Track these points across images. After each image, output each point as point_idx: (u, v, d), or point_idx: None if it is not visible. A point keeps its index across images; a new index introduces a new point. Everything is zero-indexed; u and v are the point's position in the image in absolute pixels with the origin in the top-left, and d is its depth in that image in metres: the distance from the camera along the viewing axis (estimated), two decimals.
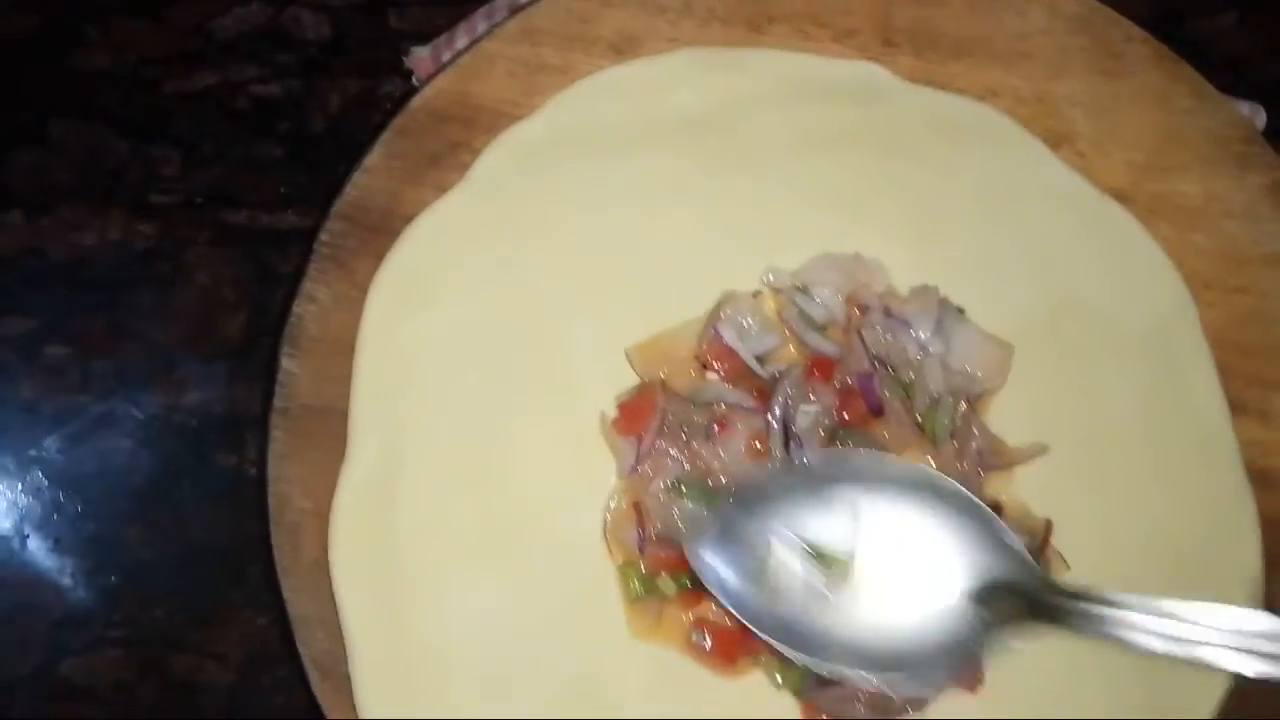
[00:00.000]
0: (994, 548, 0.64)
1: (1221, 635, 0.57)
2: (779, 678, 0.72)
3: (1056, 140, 0.82)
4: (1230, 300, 0.81)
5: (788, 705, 0.73)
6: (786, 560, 0.66)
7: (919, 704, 0.72)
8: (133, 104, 0.89)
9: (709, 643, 0.73)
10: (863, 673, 0.65)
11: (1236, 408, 0.79)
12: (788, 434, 0.73)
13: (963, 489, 0.66)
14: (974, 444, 0.75)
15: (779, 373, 0.75)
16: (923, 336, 0.75)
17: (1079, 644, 0.73)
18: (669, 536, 0.72)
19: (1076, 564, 0.75)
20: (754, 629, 0.67)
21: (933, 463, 0.75)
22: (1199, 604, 0.58)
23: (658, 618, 0.73)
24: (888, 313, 0.76)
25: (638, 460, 0.74)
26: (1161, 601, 0.59)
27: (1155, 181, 0.82)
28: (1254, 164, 0.81)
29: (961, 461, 0.74)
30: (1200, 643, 0.57)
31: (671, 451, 0.73)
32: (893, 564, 0.66)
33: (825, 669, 0.65)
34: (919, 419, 0.75)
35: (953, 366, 0.76)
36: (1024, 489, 0.77)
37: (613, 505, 0.75)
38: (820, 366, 0.75)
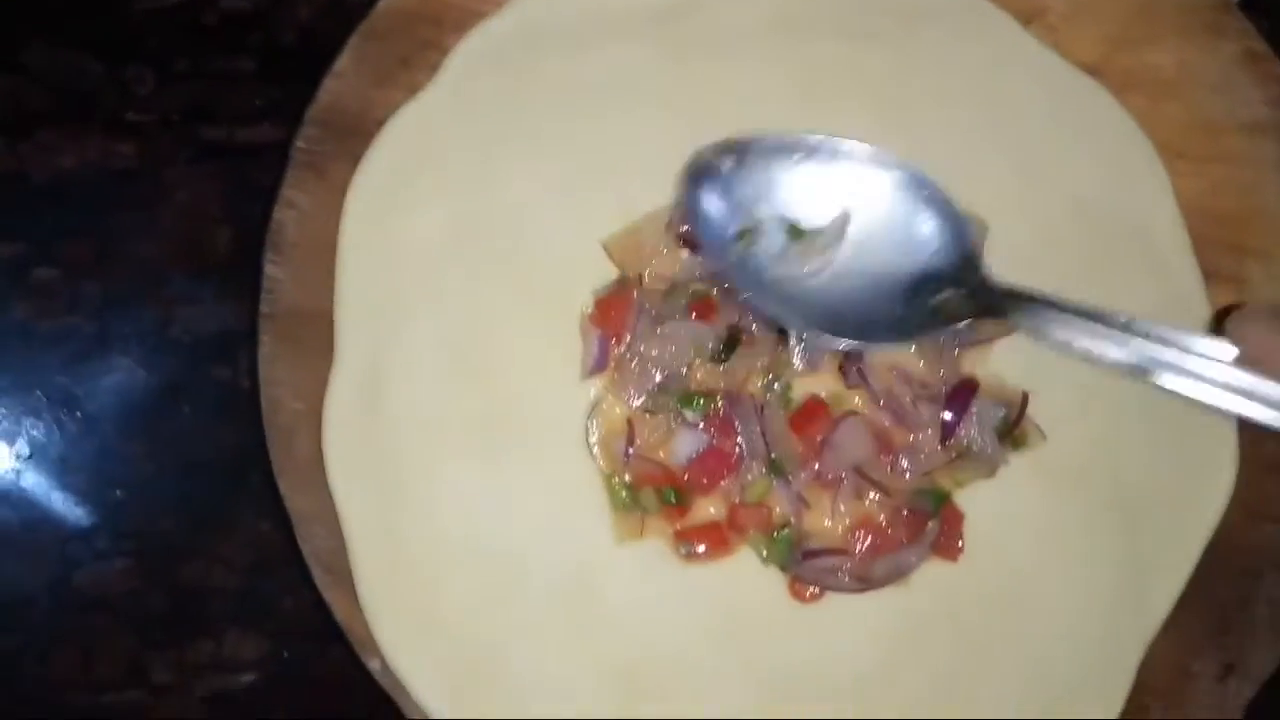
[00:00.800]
0: (954, 245, 0.71)
1: (1158, 346, 0.62)
2: (764, 553, 0.75)
3: (1028, 16, 0.82)
4: (1204, 170, 0.81)
5: (774, 579, 0.75)
6: (770, 224, 0.73)
7: (900, 575, 0.75)
8: (103, 24, 0.89)
9: (700, 548, 0.75)
10: (816, 331, 0.72)
11: (1210, 275, 0.80)
12: None
13: (941, 192, 0.72)
14: None
15: None
16: None
17: (1058, 508, 0.76)
18: (654, 456, 0.75)
19: (1052, 432, 0.77)
20: (724, 276, 0.73)
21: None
22: (1139, 319, 0.64)
23: (641, 527, 0.75)
24: None
25: (606, 360, 0.75)
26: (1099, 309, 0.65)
27: (1128, 54, 0.82)
28: (1227, 32, 0.81)
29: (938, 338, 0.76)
30: (1131, 341, 0.63)
31: (653, 351, 0.74)
32: (865, 244, 0.73)
33: (784, 323, 0.73)
34: None
35: None
36: (999, 363, 0.78)
37: (602, 406, 0.76)
38: None
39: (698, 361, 0.75)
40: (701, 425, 0.75)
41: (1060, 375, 0.77)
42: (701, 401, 0.75)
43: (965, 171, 0.79)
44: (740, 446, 0.75)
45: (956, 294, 0.70)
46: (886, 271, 0.72)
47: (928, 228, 0.72)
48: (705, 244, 0.73)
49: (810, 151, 0.73)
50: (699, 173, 0.73)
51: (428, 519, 0.74)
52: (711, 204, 0.73)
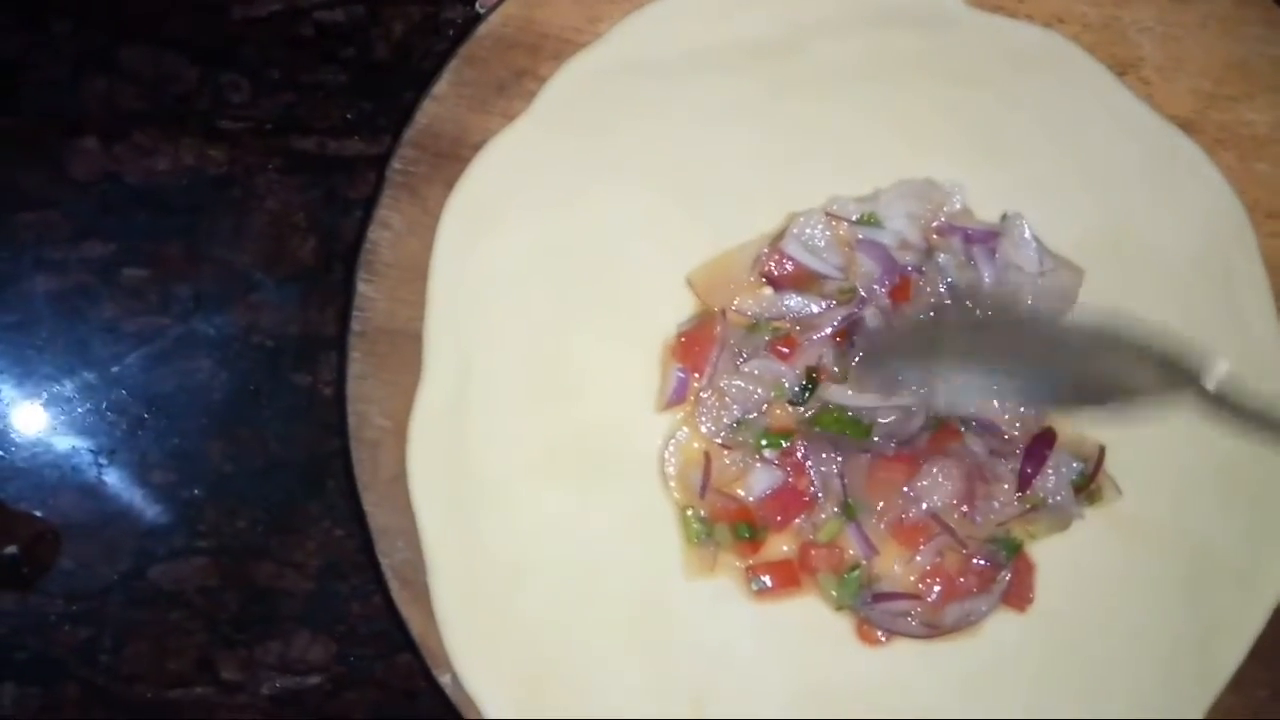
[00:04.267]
0: None
1: None
2: (834, 594, 0.75)
3: (1123, 67, 0.82)
4: None
5: (843, 621, 0.76)
6: None
7: (969, 623, 0.75)
8: (200, 30, 0.90)
9: (769, 583, 0.75)
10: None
11: None
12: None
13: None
14: None
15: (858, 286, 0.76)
16: (1007, 261, 0.76)
17: (1128, 564, 0.77)
18: (729, 490, 0.75)
19: (1128, 488, 0.77)
20: None
21: None
22: None
23: (713, 562, 0.76)
24: (967, 238, 0.77)
25: (685, 393, 0.76)
26: None
27: (1222, 110, 0.82)
28: None
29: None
30: None
31: (733, 387, 0.75)
32: None
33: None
34: None
35: (1033, 293, 0.76)
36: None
37: (679, 437, 0.77)
38: (897, 289, 0.76)
39: (775, 398, 0.76)
40: (777, 462, 0.76)
41: (1137, 430, 0.77)
42: (779, 440, 0.75)
43: (1057, 219, 0.80)
44: (814, 485, 0.75)
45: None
46: None
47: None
48: None
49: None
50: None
51: (505, 539, 0.76)
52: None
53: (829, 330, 0.76)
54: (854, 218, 0.77)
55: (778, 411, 0.76)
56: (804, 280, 0.76)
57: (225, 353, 0.88)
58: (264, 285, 0.88)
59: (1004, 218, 0.78)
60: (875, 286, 0.76)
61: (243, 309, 0.88)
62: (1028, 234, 0.77)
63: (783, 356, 0.76)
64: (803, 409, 0.76)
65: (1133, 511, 0.77)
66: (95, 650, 0.85)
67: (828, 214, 0.77)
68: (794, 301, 0.76)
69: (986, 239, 0.77)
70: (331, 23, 0.91)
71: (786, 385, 0.76)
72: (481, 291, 0.77)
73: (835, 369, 0.76)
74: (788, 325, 0.77)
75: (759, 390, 0.75)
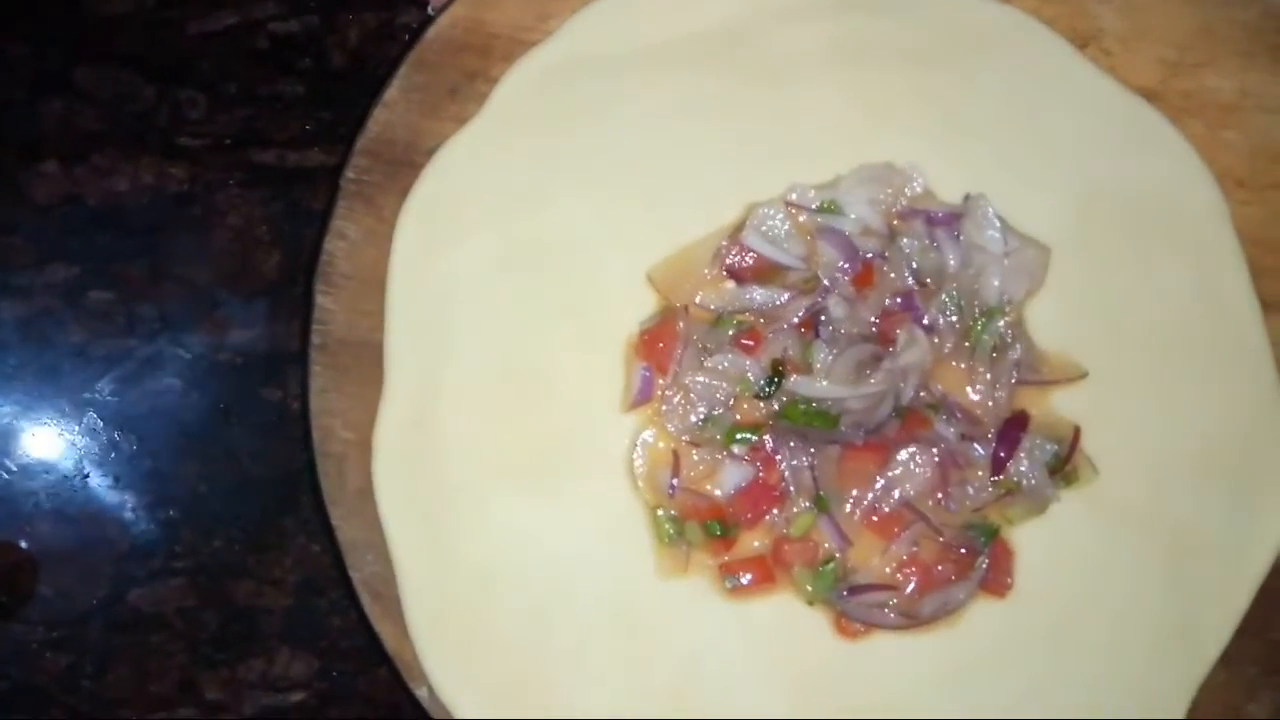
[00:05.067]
0: None
1: None
2: (809, 589, 0.74)
3: (1083, 39, 0.80)
4: (1264, 197, 0.80)
5: (821, 616, 0.75)
6: None
7: (948, 612, 0.74)
8: (156, 46, 0.90)
9: (746, 579, 0.74)
10: None
11: (1269, 306, 0.79)
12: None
13: None
14: (1013, 355, 0.75)
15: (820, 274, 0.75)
16: (971, 243, 0.75)
17: (1109, 545, 0.76)
18: (699, 488, 0.75)
19: (1105, 470, 0.76)
20: None
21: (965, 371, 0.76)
22: None
23: (686, 562, 0.75)
24: (930, 221, 0.75)
25: (650, 392, 0.75)
26: None
27: (1186, 79, 0.80)
28: None
29: (993, 371, 0.75)
30: None
31: (698, 384, 0.74)
32: None
33: None
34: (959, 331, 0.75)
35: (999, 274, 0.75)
36: (1052, 398, 0.77)
37: (646, 437, 0.76)
38: (861, 276, 0.75)
39: (742, 393, 0.75)
40: (747, 458, 0.75)
41: (1114, 410, 0.76)
42: (748, 435, 0.74)
43: (1023, 196, 0.78)
44: (785, 479, 0.74)
45: None
46: None
47: None
48: None
49: None
50: None
51: (475, 548, 0.75)
52: None
53: (794, 321, 0.75)
54: (814, 206, 0.76)
55: (745, 406, 0.75)
56: (766, 272, 0.75)
57: (194, 372, 0.87)
58: (229, 302, 0.88)
59: (966, 198, 0.77)
60: (838, 275, 0.75)
61: (209, 326, 0.87)
62: (991, 214, 0.76)
63: (747, 350, 0.75)
64: (770, 402, 0.75)
65: (1111, 493, 0.76)
66: (78, 676, 0.85)
67: (787, 203, 0.76)
68: (757, 294, 0.75)
69: (949, 221, 0.76)
70: (286, 34, 0.90)
71: (752, 379, 0.75)
72: (440, 298, 0.76)
73: (801, 360, 0.75)
74: (751, 318, 0.76)
75: (724, 385, 0.74)
